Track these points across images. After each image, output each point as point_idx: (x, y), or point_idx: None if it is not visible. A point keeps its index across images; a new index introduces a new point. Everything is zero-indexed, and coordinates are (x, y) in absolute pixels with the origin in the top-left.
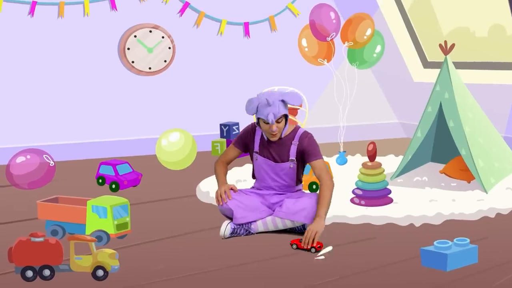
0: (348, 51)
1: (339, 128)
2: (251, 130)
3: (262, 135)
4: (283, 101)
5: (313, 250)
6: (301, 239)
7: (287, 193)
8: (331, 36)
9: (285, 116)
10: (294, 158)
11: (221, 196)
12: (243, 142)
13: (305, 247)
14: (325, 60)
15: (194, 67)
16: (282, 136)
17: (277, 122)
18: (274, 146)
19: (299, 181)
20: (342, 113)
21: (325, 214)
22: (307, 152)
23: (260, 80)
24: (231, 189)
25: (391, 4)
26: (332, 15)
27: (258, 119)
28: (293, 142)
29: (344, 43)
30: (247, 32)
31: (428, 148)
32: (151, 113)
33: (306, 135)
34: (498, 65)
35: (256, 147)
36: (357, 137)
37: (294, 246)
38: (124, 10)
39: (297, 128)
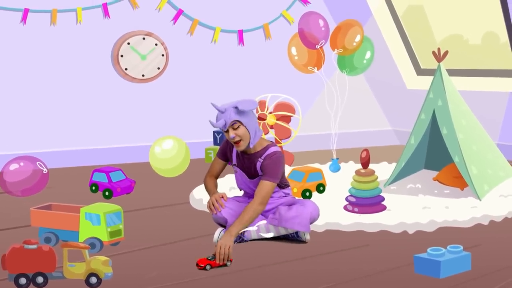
0: (338, 58)
1: (331, 135)
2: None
3: None
4: (236, 107)
5: (228, 263)
6: (209, 257)
7: (276, 199)
8: (321, 44)
9: (241, 123)
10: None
11: (213, 205)
12: (224, 153)
13: (221, 263)
14: (315, 68)
15: (188, 74)
16: (251, 146)
17: (234, 128)
18: (246, 160)
19: (284, 185)
20: (334, 120)
21: (236, 233)
22: (264, 170)
23: (253, 87)
24: (222, 197)
25: (384, 11)
26: (321, 22)
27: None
28: (259, 159)
29: (333, 50)
30: (241, 40)
31: (422, 155)
32: (144, 120)
33: (272, 156)
34: (491, 73)
35: (234, 160)
36: (350, 144)
37: (208, 267)
38: (117, 17)
39: (269, 146)
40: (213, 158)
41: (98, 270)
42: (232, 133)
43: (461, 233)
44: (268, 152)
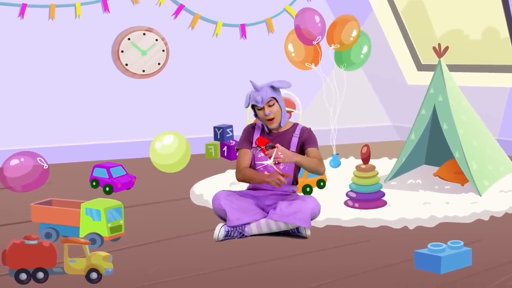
0: (335, 54)
1: (331, 130)
2: (251, 128)
3: (262, 130)
4: (271, 86)
5: (270, 162)
6: (267, 146)
7: (282, 193)
8: (317, 40)
9: (276, 100)
10: (295, 150)
11: (279, 179)
12: (248, 140)
13: (268, 156)
14: (313, 64)
15: (188, 70)
16: (282, 125)
17: (269, 106)
18: (276, 138)
19: (295, 180)
20: (333, 115)
21: (298, 160)
22: (306, 141)
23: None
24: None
25: (384, 6)
26: (317, 18)
27: (253, 108)
28: (294, 134)
29: (330, 46)
30: (243, 34)
31: (422, 150)
32: (145, 116)
33: (306, 130)
34: (491, 68)
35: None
36: (351, 139)
37: (259, 149)
38: (118, 12)
39: (296, 124)
40: (213, 154)
41: (98, 265)
42: (267, 110)
43: (462, 228)
44: (299, 128)
